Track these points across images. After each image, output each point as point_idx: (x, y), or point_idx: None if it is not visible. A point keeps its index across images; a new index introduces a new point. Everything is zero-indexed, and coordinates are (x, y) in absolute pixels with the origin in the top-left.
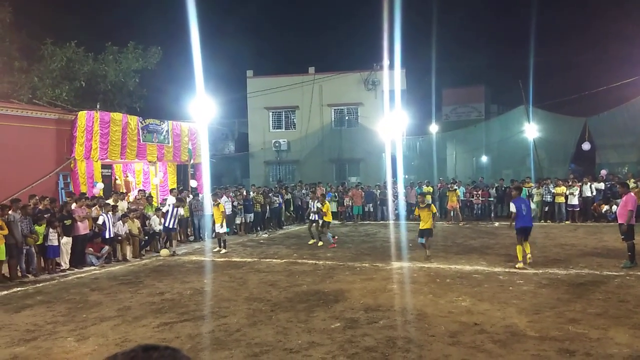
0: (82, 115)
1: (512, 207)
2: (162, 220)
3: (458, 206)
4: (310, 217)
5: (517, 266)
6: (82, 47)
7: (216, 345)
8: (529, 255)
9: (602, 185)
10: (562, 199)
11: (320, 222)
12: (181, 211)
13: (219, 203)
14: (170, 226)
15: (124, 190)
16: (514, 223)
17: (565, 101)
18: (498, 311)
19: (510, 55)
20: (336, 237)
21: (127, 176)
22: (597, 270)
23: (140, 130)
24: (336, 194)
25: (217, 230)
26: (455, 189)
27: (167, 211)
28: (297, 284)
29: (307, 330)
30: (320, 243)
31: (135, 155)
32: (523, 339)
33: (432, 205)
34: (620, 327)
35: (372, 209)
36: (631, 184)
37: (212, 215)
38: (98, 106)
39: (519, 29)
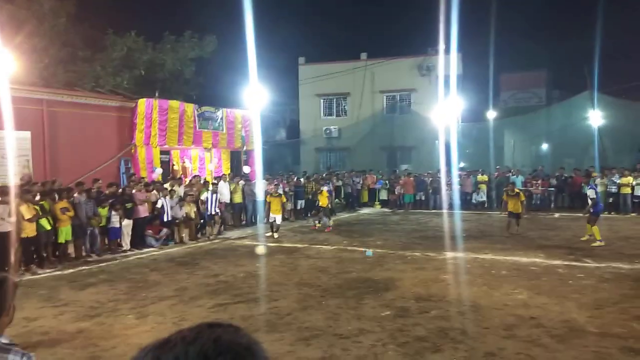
0: (142, 103)
1: (592, 193)
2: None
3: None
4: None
5: (594, 245)
6: (142, 37)
7: (268, 328)
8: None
9: None
10: (628, 190)
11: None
12: (224, 196)
13: (281, 194)
14: (213, 212)
15: (181, 176)
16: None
17: (633, 86)
18: (556, 305)
19: (573, 37)
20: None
21: (184, 162)
22: None
23: (196, 118)
24: (387, 182)
25: (273, 219)
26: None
27: (207, 198)
28: (347, 270)
29: (356, 317)
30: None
31: (192, 142)
32: (582, 334)
33: (521, 193)
34: None
35: (423, 198)
36: None
37: (268, 202)
38: (157, 94)
39: (583, 8)
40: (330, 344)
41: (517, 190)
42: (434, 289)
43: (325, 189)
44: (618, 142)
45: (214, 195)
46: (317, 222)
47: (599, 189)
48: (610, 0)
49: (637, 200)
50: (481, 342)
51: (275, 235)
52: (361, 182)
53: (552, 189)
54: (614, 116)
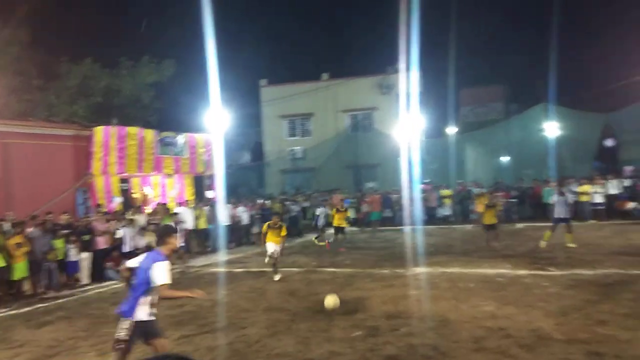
0: (99, 131)
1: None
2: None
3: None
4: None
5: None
6: (98, 63)
7: (236, 357)
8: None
9: (626, 183)
10: (586, 198)
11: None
12: (188, 222)
13: (282, 226)
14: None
15: (142, 204)
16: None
17: (586, 97)
18: (523, 315)
19: (528, 52)
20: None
21: (145, 189)
22: (624, 269)
23: (156, 144)
24: (354, 201)
25: (270, 252)
26: (484, 194)
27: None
28: (316, 292)
29: (327, 339)
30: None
31: (152, 169)
32: (550, 342)
33: (498, 203)
34: None
35: (390, 214)
36: None
37: (264, 233)
38: (114, 121)
39: (536, 25)
40: None
41: (495, 202)
42: (404, 306)
43: (343, 207)
44: (574, 151)
45: (178, 226)
46: (325, 240)
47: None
48: (562, 16)
49: (595, 208)
50: (452, 357)
51: (276, 277)
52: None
53: (514, 200)
54: (569, 127)
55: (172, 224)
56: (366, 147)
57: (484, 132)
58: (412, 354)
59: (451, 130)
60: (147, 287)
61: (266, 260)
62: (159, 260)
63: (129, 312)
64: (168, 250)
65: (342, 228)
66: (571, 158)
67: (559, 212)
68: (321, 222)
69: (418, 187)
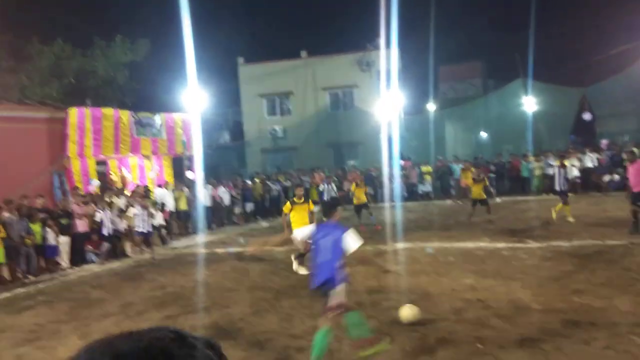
0: (73, 113)
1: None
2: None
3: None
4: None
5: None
6: (70, 44)
7: (220, 335)
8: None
9: (602, 155)
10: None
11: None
12: (168, 204)
13: (307, 199)
14: (146, 230)
15: (120, 186)
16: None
17: (563, 72)
18: (502, 286)
19: (505, 28)
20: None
21: (122, 172)
22: (600, 240)
23: (133, 125)
24: (336, 179)
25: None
26: (470, 168)
27: (135, 214)
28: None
29: (311, 315)
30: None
31: (129, 150)
32: (528, 312)
33: (486, 178)
34: (625, 296)
35: (372, 192)
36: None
37: (286, 214)
38: (89, 102)
39: (514, 0)
40: (285, 346)
41: (482, 176)
42: (385, 281)
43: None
44: (552, 125)
45: (146, 211)
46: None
47: (537, 172)
48: None
49: (572, 181)
50: (433, 329)
51: (302, 270)
52: (309, 181)
53: (493, 175)
54: (547, 101)
55: (157, 205)
56: (347, 125)
57: (463, 108)
58: (394, 327)
59: (431, 106)
60: (339, 255)
61: (293, 256)
62: (344, 230)
63: (334, 279)
64: (336, 219)
65: (365, 204)
66: (549, 132)
67: (559, 184)
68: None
69: (398, 164)
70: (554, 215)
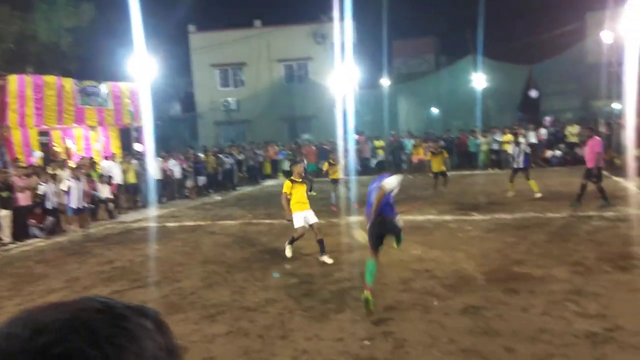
0: (13, 80)
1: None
2: (66, 198)
3: (425, 158)
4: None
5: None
6: (8, 7)
7: (170, 309)
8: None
9: (545, 132)
10: (508, 147)
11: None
12: (116, 177)
13: (304, 180)
14: (76, 206)
15: (64, 158)
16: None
17: (511, 50)
18: (448, 257)
19: (458, 4)
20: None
21: (67, 143)
22: (541, 213)
23: (77, 94)
24: (290, 152)
25: (309, 224)
26: (421, 143)
27: (69, 187)
28: (252, 244)
29: (263, 288)
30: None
31: (74, 120)
32: (471, 281)
33: (444, 151)
34: (562, 266)
35: None
36: (574, 130)
37: (287, 194)
38: (30, 69)
39: None
40: (237, 318)
41: (441, 149)
42: (337, 253)
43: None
44: (500, 102)
45: (80, 184)
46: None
47: (483, 147)
48: None
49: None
50: (381, 298)
51: (327, 259)
52: (263, 154)
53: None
54: (496, 78)
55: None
56: (301, 98)
57: (415, 84)
58: (344, 297)
59: (385, 81)
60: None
61: (295, 235)
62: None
63: (394, 212)
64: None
65: (337, 180)
66: (496, 109)
67: (517, 162)
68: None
69: (352, 139)
70: (536, 190)
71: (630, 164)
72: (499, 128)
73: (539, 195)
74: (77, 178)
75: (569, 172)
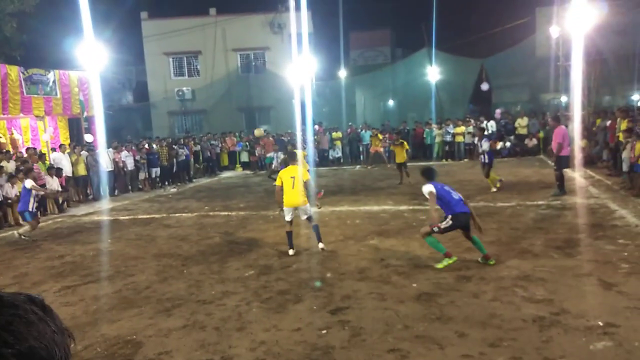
0: None
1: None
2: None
3: (382, 149)
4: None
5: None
6: None
7: (124, 304)
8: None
9: (496, 124)
10: (461, 138)
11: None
12: (65, 169)
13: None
14: (32, 209)
15: (10, 149)
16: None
17: (464, 43)
18: (402, 246)
19: None
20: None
21: (13, 133)
22: (491, 202)
23: (22, 82)
24: (247, 144)
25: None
26: (377, 134)
27: (32, 188)
28: (209, 236)
29: (220, 280)
30: None
31: (20, 110)
32: (425, 269)
33: (405, 142)
34: (511, 252)
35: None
36: (524, 122)
37: (279, 187)
38: None
39: None
40: (193, 311)
41: (401, 140)
42: (296, 244)
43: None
44: (452, 95)
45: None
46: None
47: (437, 139)
48: None
49: (468, 147)
50: (338, 288)
51: (322, 245)
52: (220, 146)
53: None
54: (449, 71)
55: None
56: (259, 89)
57: (372, 76)
58: (302, 288)
59: (342, 73)
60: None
61: (288, 227)
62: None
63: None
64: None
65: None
66: (450, 101)
67: (483, 157)
68: (275, 164)
69: (310, 130)
70: (493, 185)
71: (577, 155)
72: (452, 120)
73: (494, 190)
74: (34, 179)
75: (517, 163)
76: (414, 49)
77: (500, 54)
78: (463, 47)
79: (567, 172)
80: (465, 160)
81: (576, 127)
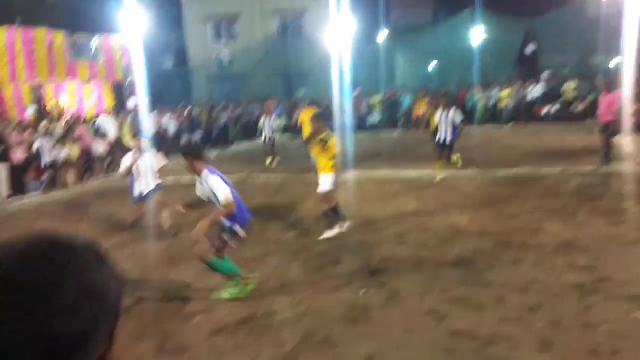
0: (2, 32)
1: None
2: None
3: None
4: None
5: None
6: None
7: (172, 261)
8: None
9: (543, 87)
10: (505, 102)
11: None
12: (111, 133)
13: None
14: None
15: (58, 113)
16: None
17: (511, 2)
18: (442, 212)
19: None
20: None
21: (60, 98)
22: (535, 168)
23: (68, 48)
24: (286, 109)
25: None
26: (423, 99)
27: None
28: (248, 199)
29: (260, 242)
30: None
31: (66, 75)
32: (464, 235)
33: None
34: (553, 220)
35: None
36: (572, 86)
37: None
38: (19, 21)
39: None
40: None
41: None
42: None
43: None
44: (498, 57)
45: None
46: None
47: (481, 103)
48: None
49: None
50: (377, 250)
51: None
52: (259, 110)
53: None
54: (495, 33)
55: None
56: (297, 52)
57: (413, 38)
58: (340, 250)
59: (382, 35)
60: None
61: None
62: None
63: None
64: None
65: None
66: (494, 64)
67: (441, 134)
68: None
69: (349, 95)
70: (439, 174)
71: (628, 120)
72: (497, 83)
73: (437, 180)
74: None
75: (564, 129)
76: (457, 9)
77: (548, 14)
78: (509, 7)
79: (617, 138)
80: (510, 124)
81: (628, 91)
